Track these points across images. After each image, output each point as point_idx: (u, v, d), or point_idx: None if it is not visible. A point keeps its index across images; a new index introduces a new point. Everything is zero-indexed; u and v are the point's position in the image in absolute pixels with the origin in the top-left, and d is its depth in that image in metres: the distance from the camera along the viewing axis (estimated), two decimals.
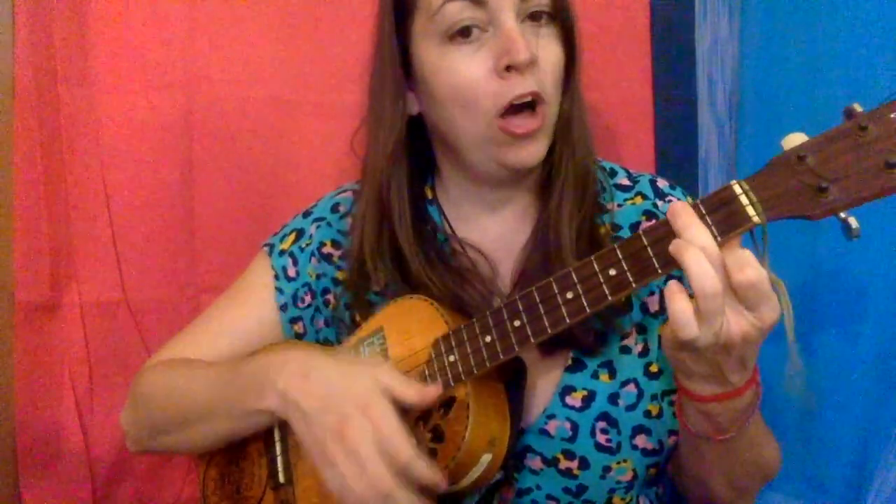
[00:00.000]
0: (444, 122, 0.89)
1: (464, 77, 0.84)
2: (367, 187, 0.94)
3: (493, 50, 0.83)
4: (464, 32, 0.84)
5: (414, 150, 0.95)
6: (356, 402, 0.75)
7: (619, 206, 0.94)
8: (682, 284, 0.67)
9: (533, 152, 0.86)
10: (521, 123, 0.84)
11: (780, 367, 0.72)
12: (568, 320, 0.73)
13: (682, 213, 0.67)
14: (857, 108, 0.64)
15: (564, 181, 0.90)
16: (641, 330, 0.89)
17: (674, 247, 0.67)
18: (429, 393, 0.78)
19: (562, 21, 0.87)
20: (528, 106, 0.84)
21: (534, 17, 0.85)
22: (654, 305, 0.90)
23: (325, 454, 0.74)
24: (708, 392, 0.73)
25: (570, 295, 0.73)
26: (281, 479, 0.91)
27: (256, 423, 0.87)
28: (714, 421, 0.76)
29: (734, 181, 0.67)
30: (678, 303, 0.66)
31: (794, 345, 0.69)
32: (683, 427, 0.80)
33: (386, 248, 0.92)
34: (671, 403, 0.88)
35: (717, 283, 0.65)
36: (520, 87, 0.83)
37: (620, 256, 0.71)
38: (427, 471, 0.73)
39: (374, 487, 0.71)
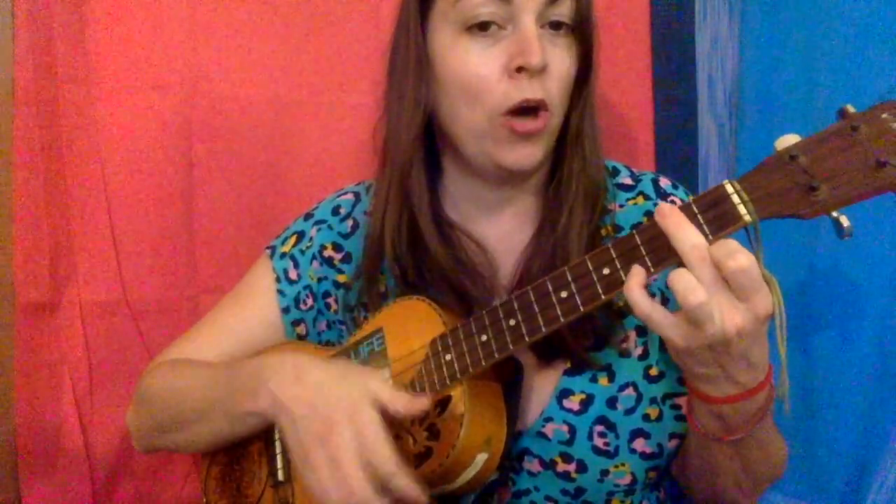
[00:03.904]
0: (445, 110, 0.89)
1: (474, 69, 0.84)
2: (388, 170, 0.93)
3: (508, 49, 0.83)
4: (483, 26, 0.83)
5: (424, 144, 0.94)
6: (344, 409, 0.74)
7: (621, 206, 0.93)
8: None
9: (529, 156, 0.86)
10: (523, 123, 0.84)
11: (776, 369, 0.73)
12: (562, 319, 0.74)
13: (671, 214, 0.67)
14: (850, 108, 0.64)
15: (575, 197, 0.89)
16: (641, 333, 0.89)
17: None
18: (417, 403, 0.78)
19: (581, 34, 0.87)
20: (531, 110, 0.84)
21: (554, 25, 0.85)
22: None
23: (307, 458, 0.74)
24: (719, 394, 0.73)
25: (564, 294, 0.73)
26: (280, 476, 0.91)
27: (251, 426, 0.87)
28: (725, 422, 0.75)
29: (726, 181, 0.67)
30: (682, 273, 0.66)
31: (784, 359, 0.69)
32: (692, 427, 0.80)
33: (405, 231, 0.91)
34: (672, 406, 0.88)
35: (701, 294, 0.65)
36: (528, 90, 0.83)
37: (614, 255, 0.71)
38: (408, 485, 0.72)
39: (352, 495, 0.71)
